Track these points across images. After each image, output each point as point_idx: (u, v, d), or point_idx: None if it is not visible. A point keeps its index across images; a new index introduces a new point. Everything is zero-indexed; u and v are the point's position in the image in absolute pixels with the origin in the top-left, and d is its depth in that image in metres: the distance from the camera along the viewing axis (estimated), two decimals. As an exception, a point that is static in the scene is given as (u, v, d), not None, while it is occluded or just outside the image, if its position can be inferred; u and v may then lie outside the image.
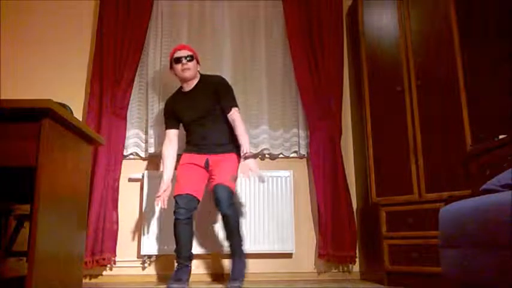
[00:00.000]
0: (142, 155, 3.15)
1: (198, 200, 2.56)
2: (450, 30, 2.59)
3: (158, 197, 2.59)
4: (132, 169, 3.13)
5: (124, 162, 3.09)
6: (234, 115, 2.60)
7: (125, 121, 3.06)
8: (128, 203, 3.08)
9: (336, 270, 3.04)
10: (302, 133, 3.20)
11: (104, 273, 2.97)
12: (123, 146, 3.03)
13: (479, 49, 2.54)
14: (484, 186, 1.75)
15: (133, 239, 3.03)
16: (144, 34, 3.16)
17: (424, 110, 2.62)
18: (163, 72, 3.23)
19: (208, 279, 2.97)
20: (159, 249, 2.89)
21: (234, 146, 2.64)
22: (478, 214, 1.49)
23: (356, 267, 3.04)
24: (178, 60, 2.65)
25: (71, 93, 3.25)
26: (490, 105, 2.44)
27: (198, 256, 2.98)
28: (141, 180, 3.10)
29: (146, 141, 3.15)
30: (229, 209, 2.45)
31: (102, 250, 2.83)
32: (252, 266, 3.00)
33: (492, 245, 1.41)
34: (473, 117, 2.47)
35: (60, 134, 1.91)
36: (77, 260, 2.14)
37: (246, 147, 2.50)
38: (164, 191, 2.60)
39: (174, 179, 2.67)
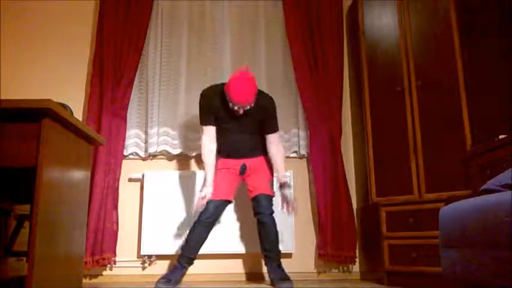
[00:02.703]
0: (142, 155, 3.15)
1: (230, 201, 2.59)
2: (450, 30, 2.59)
3: (203, 197, 2.46)
4: (132, 169, 3.12)
5: (124, 162, 3.09)
6: (275, 138, 2.59)
7: (125, 121, 3.06)
8: (128, 203, 3.08)
9: (336, 270, 3.04)
10: (302, 133, 3.20)
11: (104, 273, 2.97)
12: (123, 146, 3.03)
13: (479, 49, 2.54)
14: (484, 186, 1.75)
15: (133, 239, 3.03)
16: (144, 34, 3.16)
17: (424, 110, 2.62)
18: (163, 72, 3.23)
19: (215, 279, 2.97)
20: (159, 249, 2.89)
21: (264, 149, 2.63)
22: (478, 214, 1.49)
23: (356, 267, 3.04)
24: (235, 106, 2.40)
25: (71, 93, 3.24)
26: (490, 105, 2.44)
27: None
28: (141, 180, 3.10)
29: (146, 141, 3.15)
30: (271, 217, 2.54)
31: (102, 250, 2.83)
32: (252, 266, 3.00)
33: (492, 245, 1.41)
34: (473, 117, 2.47)
35: (60, 134, 1.91)
36: (76, 260, 2.14)
37: (282, 174, 2.56)
38: (204, 194, 2.47)
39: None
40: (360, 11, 3.02)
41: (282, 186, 2.54)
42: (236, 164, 2.61)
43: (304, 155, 3.20)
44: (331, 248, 2.91)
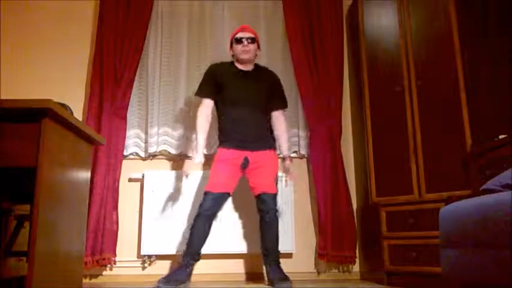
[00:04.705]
0: (142, 155, 3.15)
1: (229, 194, 2.53)
2: (450, 30, 2.59)
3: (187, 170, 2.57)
4: (132, 169, 3.13)
5: (124, 162, 3.09)
6: (282, 115, 2.73)
7: (125, 121, 3.06)
8: (128, 203, 3.08)
9: (336, 270, 3.04)
10: (302, 133, 3.20)
11: (104, 273, 2.97)
12: (123, 146, 3.03)
13: (479, 49, 2.54)
14: (484, 186, 1.74)
15: (133, 239, 3.03)
16: (144, 34, 3.16)
17: (424, 110, 2.61)
18: (163, 72, 3.23)
19: (218, 279, 2.97)
20: (159, 249, 2.89)
21: (273, 140, 2.69)
22: (478, 214, 1.49)
23: (356, 267, 3.04)
24: (239, 40, 2.61)
25: (71, 93, 3.24)
26: (490, 105, 2.44)
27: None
28: (141, 180, 3.10)
29: (146, 141, 3.15)
30: (275, 216, 2.55)
31: (102, 250, 2.83)
32: (253, 266, 3.00)
33: (492, 245, 1.41)
34: (473, 117, 2.47)
35: (60, 134, 1.91)
36: (76, 260, 2.14)
37: (286, 148, 2.72)
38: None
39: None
40: (360, 11, 3.02)
41: (285, 159, 2.72)
42: (237, 156, 2.54)
43: (304, 155, 3.20)
44: (331, 248, 2.91)
